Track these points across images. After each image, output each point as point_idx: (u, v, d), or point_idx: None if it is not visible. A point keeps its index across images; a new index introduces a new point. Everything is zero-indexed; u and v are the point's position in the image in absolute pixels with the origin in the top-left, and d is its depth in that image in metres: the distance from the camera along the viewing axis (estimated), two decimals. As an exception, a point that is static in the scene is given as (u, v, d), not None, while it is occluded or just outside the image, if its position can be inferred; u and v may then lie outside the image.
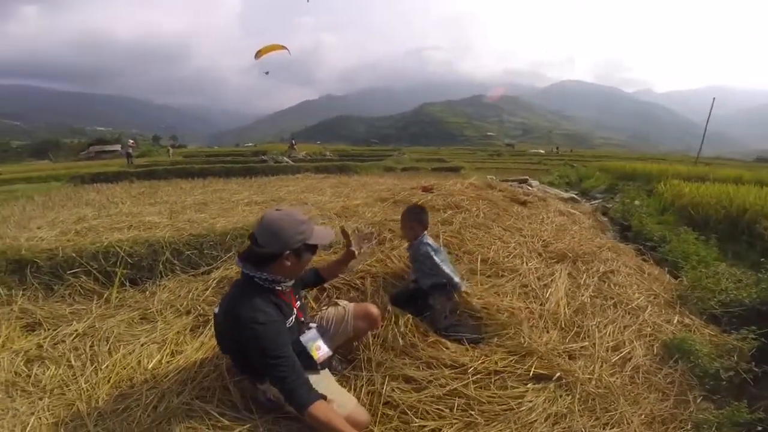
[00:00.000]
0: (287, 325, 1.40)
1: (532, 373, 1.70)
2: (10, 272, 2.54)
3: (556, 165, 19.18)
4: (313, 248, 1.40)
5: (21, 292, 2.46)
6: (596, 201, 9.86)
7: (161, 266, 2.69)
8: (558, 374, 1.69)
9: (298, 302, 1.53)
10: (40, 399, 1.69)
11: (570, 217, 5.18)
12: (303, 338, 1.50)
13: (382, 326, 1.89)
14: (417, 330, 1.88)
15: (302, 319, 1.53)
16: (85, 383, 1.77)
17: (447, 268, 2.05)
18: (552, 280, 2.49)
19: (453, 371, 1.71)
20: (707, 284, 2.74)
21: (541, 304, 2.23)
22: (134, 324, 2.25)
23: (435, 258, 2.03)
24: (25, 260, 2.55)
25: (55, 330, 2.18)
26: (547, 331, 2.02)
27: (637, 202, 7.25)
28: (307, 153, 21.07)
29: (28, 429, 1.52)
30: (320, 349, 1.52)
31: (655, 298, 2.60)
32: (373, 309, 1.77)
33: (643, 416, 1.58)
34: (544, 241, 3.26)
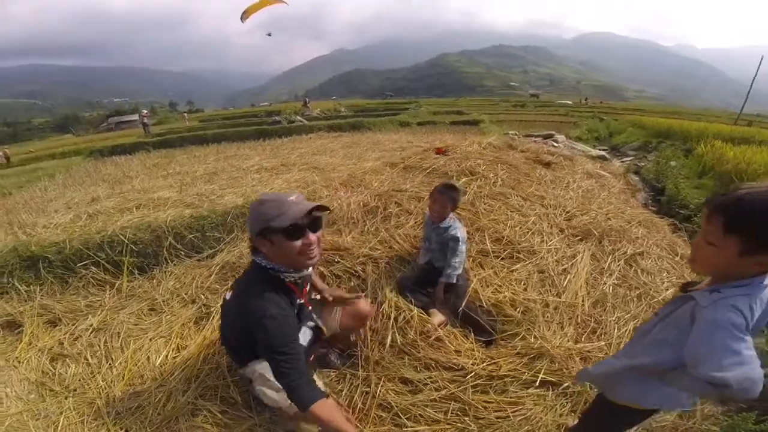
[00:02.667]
0: (295, 311, 1.34)
1: (539, 379, 1.57)
2: (25, 268, 2.57)
3: (584, 117, 17.80)
4: (289, 231, 1.19)
5: (38, 288, 2.50)
6: (628, 159, 9.12)
7: (165, 252, 2.67)
8: (567, 384, 1.56)
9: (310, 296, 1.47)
10: (66, 398, 1.76)
11: (598, 180, 4.77)
12: None
13: (379, 321, 1.80)
14: (420, 328, 1.76)
15: (306, 310, 1.46)
16: (102, 381, 1.83)
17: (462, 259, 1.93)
18: (572, 264, 2.22)
19: (453, 374, 1.61)
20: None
21: (557, 295, 2.01)
22: (143, 316, 2.28)
23: (462, 246, 1.89)
24: (36, 256, 2.57)
25: (73, 325, 2.24)
26: (562, 328, 1.83)
27: (673, 163, 6.63)
28: (321, 110, 20.32)
29: (59, 429, 1.59)
30: None
31: (685, 289, 2.34)
32: (364, 307, 1.66)
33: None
34: (567, 213, 2.96)
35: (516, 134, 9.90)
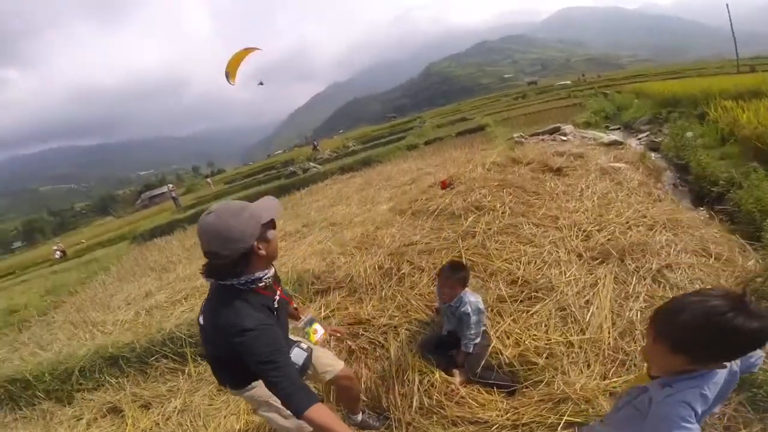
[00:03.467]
0: (275, 314, 1.34)
1: (564, 421, 1.61)
2: (110, 365, 3.07)
3: (587, 96, 17.42)
4: (271, 224, 1.31)
5: (125, 379, 2.97)
6: (643, 135, 8.84)
7: (218, 338, 3.01)
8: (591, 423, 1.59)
9: (280, 286, 1.47)
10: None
11: (614, 177, 4.56)
12: (299, 324, 1.66)
13: (406, 386, 1.93)
14: (443, 389, 1.89)
15: (283, 298, 1.45)
16: (198, 454, 2.12)
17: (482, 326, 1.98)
18: (594, 294, 2.17)
19: (478, 427, 1.70)
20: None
21: (581, 331, 2.00)
22: (214, 397, 2.59)
23: (479, 317, 1.92)
24: (115, 355, 3.04)
25: (162, 407, 2.62)
26: (588, 366, 1.83)
27: (689, 134, 6.29)
28: (330, 151, 20.72)
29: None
30: (317, 333, 1.70)
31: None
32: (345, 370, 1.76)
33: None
34: (584, 232, 2.88)
35: (522, 135, 9.83)
